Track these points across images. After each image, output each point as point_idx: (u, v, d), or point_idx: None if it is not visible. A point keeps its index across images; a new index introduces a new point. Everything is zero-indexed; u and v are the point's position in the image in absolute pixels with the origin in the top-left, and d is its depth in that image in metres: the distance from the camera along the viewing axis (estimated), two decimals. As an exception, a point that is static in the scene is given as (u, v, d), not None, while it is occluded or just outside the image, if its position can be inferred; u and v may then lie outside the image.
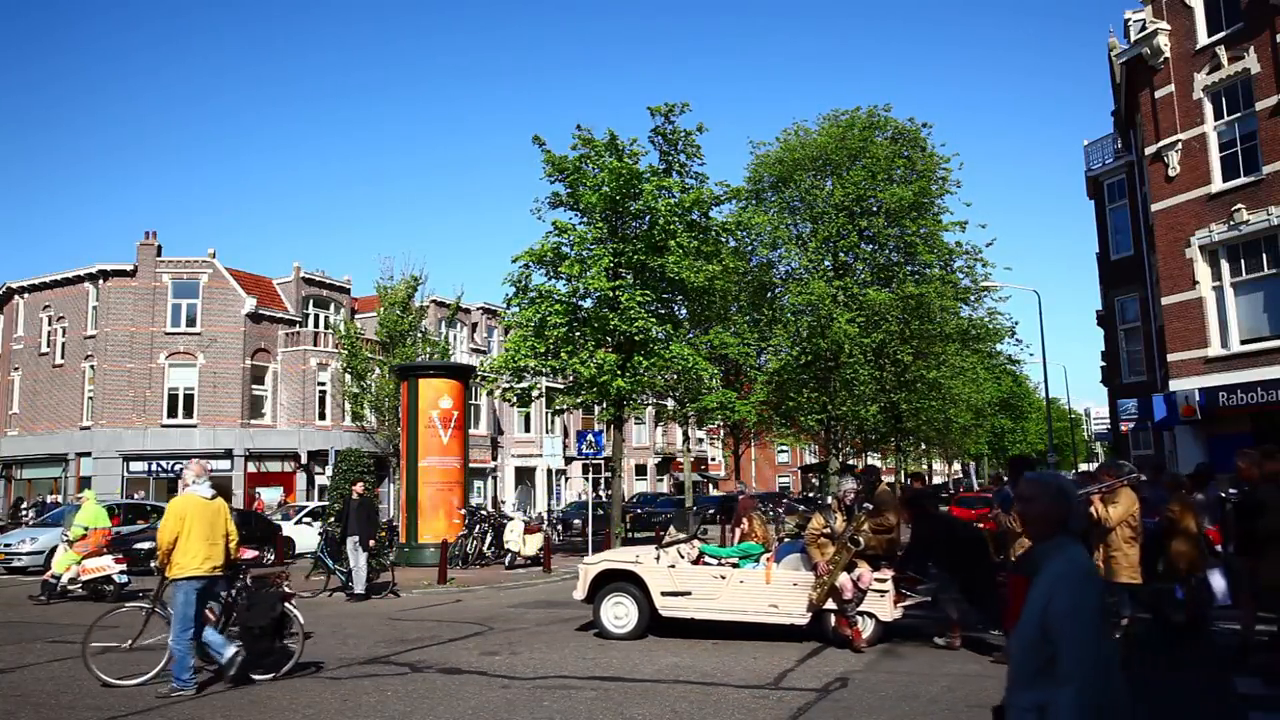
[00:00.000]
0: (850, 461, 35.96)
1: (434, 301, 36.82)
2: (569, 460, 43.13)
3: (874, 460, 54.48)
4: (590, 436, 27.90)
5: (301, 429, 35.23)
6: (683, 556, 10.21)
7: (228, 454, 33.65)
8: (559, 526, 26.97)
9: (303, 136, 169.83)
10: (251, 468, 34.18)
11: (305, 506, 26.14)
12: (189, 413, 33.72)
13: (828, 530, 9.44)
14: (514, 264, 21.39)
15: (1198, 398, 17.84)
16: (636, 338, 20.69)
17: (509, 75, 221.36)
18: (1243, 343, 17.56)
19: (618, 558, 10.54)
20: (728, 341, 23.07)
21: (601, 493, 42.99)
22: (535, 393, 23.52)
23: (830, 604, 9.22)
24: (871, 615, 9.31)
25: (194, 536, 7.63)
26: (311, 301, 38.23)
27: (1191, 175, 18.38)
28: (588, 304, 21.49)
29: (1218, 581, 9.84)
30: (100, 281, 33.71)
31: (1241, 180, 17.46)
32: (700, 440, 55.83)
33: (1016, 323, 33.25)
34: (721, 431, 42.67)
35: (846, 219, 26.52)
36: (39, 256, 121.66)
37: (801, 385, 27.75)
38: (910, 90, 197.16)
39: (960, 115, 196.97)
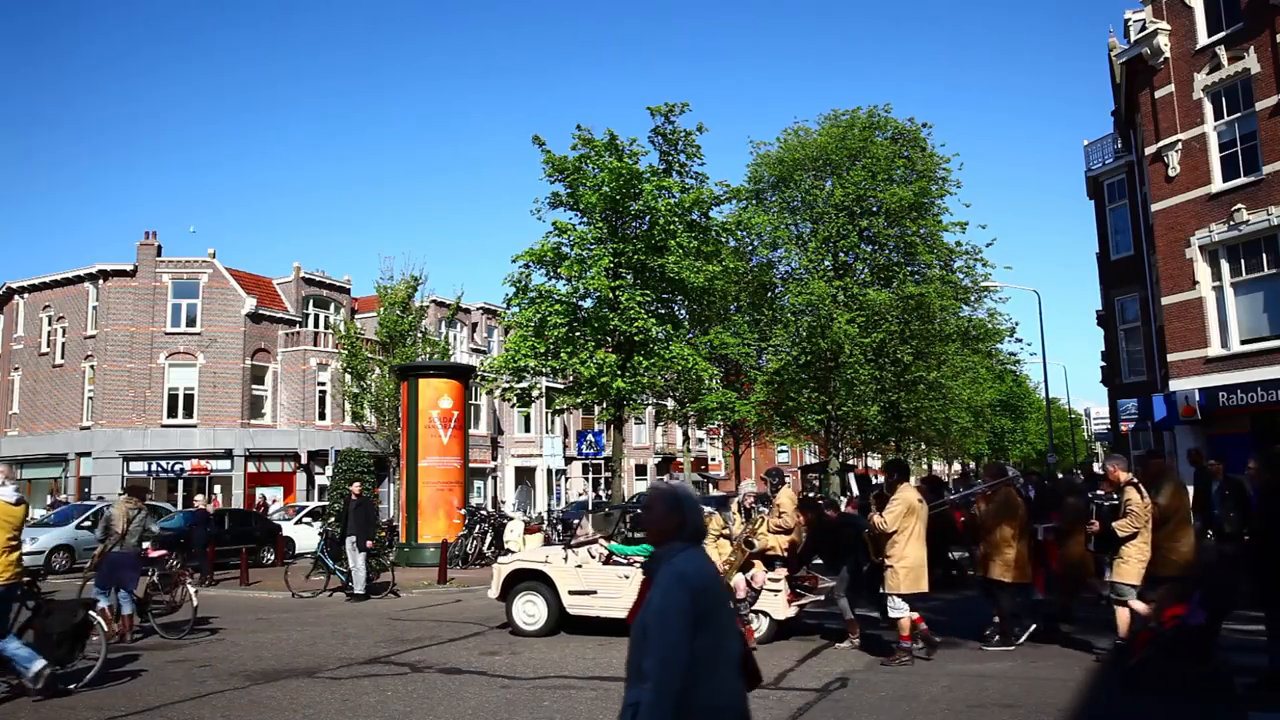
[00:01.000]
0: (850, 461, 35.98)
1: (434, 301, 36.82)
2: (569, 460, 43.11)
3: (874, 460, 54.52)
4: (590, 436, 27.94)
5: (301, 429, 35.22)
6: (593, 557, 10.48)
7: (228, 454, 33.65)
8: (559, 526, 26.98)
9: (303, 136, 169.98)
10: (251, 468, 34.16)
11: (305, 506, 26.14)
12: (189, 413, 33.71)
13: (726, 531, 9.72)
14: (514, 264, 21.42)
15: (1198, 398, 17.84)
16: (636, 338, 20.69)
17: (509, 75, 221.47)
18: (1243, 343, 17.56)
19: (529, 558, 10.87)
20: (728, 341, 23.08)
21: (602, 493, 42.99)
22: (535, 393, 23.54)
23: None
24: (766, 614, 9.57)
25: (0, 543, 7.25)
26: (311, 301, 38.22)
27: (1191, 175, 18.38)
28: (588, 304, 21.50)
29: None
30: (100, 281, 33.70)
31: (1241, 180, 17.45)
32: (700, 440, 55.81)
33: (1016, 323, 33.17)
34: (721, 431, 42.65)
35: (846, 219, 26.51)
36: (39, 256, 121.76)
37: (801, 385, 27.73)
38: (910, 90, 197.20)
39: (960, 115, 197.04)
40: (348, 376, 31.71)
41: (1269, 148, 16.94)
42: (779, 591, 9.56)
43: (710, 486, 56.84)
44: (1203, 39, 18.23)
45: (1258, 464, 7.69)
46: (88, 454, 32.74)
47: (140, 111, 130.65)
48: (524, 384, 22.95)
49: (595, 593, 10.10)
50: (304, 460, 35.13)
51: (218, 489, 33.31)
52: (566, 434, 44.27)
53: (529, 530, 19.57)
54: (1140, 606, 7.88)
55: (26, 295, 36.36)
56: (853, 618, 9.46)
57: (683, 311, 23.85)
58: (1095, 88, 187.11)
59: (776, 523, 9.96)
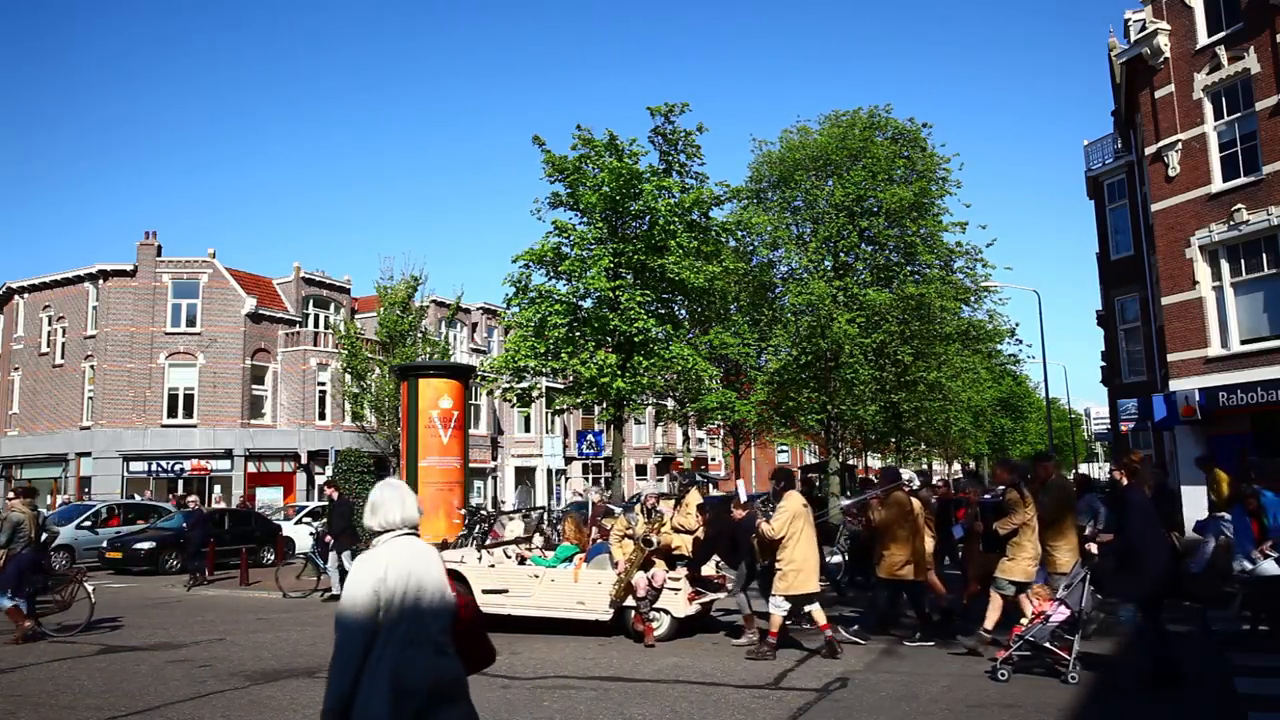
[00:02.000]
0: (850, 462, 35.96)
1: (434, 301, 36.81)
2: (569, 460, 43.14)
3: (874, 460, 54.51)
4: (590, 436, 27.94)
5: (301, 429, 35.23)
6: (508, 557, 10.87)
7: (228, 454, 33.66)
8: (559, 527, 26.94)
9: (303, 136, 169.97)
10: (251, 468, 34.18)
11: (305, 506, 26.14)
12: (189, 413, 33.72)
13: (630, 531, 10.01)
14: (514, 264, 21.40)
15: (1198, 398, 17.83)
16: (636, 338, 20.69)
17: (509, 75, 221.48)
18: (1243, 343, 17.56)
19: (445, 557, 10.96)
20: (728, 341, 23.06)
21: (601, 493, 42.95)
22: (535, 393, 23.52)
23: (630, 600, 9.79)
24: (666, 611, 9.85)
25: None
26: (311, 301, 38.23)
27: (1191, 175, 18.38)
28: (588, 304, 21.49)
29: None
30: (100, 281, 33.71)
31: (1241, 180, 17.45)
32: (700, 440, 55.82)
33: (1017, 324, 33.06)
34: (721, 431, 42.64)
35: (847, 219, 26.47)
36: (39, 256, 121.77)
37: (801, 385, 27.70)
38: (910, 90, 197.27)
39: (960, 115, 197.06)
40: (348, 376, 31.69)
41: (1269, 148, 16.94)
42: (679, 590, 9.83)
43: (710, 486, 56.89)
44: (1203, 39, 18.23)
45: (1131, 468, 8.02)
46: (88, 454, 32.75)
47: (140, 111, 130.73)
48: (524, 384, 22.95)
49: (507, 591, 10.42)
50: (304, 460, 35.14)
51: (218, 488, 33.31)
52: (566, 434, 44.27)
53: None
54: (1025, 604, 8.26)
55: (26, 295, 36.36)
56: (750, 613, 9.76)
57: (683, 311, 23.83)
58: (1095, 88, 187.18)
59: (679, 522, 10.28)
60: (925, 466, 54.53)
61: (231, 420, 34.09)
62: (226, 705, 7.22)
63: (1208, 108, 18.24)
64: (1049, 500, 8.59)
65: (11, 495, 11.56)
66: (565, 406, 23.41)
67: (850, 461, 35.94)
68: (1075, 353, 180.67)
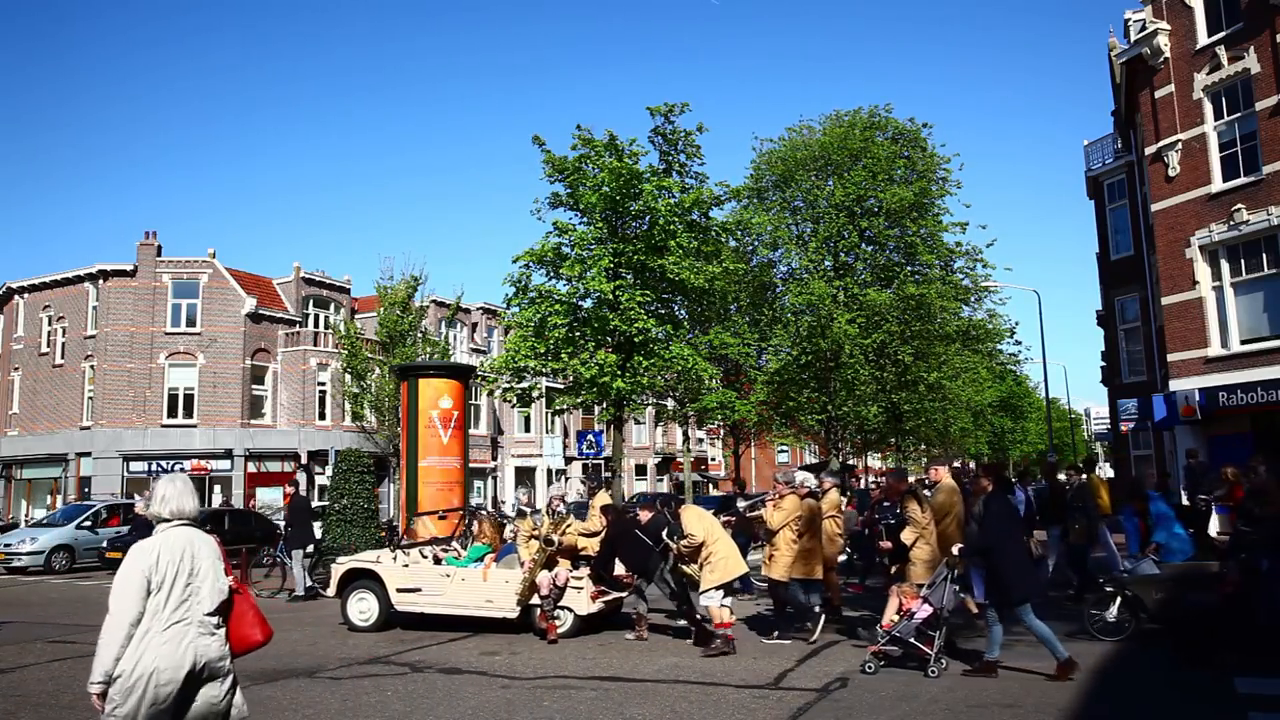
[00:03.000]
0: (851, 461, 35.97)
1: (434, 301, 36.78)
2: (569, 460, 43.16)
3: (874, 460, 54.45)
4: (590, 436, 27.99)
5: (301, 429, 35.23)
6: (425, 556, 11.22)
7: (228, 454, 33.66)
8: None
9: (303, 136, 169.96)
10: (251, 468, 34.18)
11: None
12: (189, 413, 33.72)
13: (536, 532, 10.42)
14: (514, 264, 21.40)
15: (1198, 398, 17.84)
16: (636, 338, 20.69)
17: (509, 75, 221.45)
18: (1243, 343, 17.57)
19: (363, 558, 11.63)
20: (728, 341, 23.07)
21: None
22: (535, 393, 23.52)
23: (536, 598, 10.19)
24: (569, 609, 10.21)
25: None
26: (311, 301, 38.23)
27: (1191, 175, 18.38)
28: (588, 304, 21.49)
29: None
30: (100, 281, 33.71)
31: (1241, 180, 17.45)
32: (700, 440, 55.81)
33: (1017, 324, 33.09)
34: (721, 431, 42.65)
35: (847, 219, 26.49)
36: (39, 256, 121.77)
37: (802, 385, 27.73)
38: (910, 90, 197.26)
39: (960, 115, 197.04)
40: (348, 376, 31.64)
41: (1269, 148, 16.94)
42: (582, 589, 10.20)
43: (710, 486, 56.85)
44: (1203, 39, 18.23)
45: (998, 473, 8.52)
46: (88, 454, 32.75)
47: (140, 111, 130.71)
48: (524, 384, 22.95)
49: (420, 590, 10.81)
50: (304, 460, 35.13)
51: (218, 488, 33.29)
52: (566, 434, 44.28)
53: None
54: (892, 602, 8.53)
55: (26, 295, 36.36)
56: (643, 613, 10.14)
57: (683, 312, 23.83)
58: (1095, 88, 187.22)
59: (585, 526, 10.71)
60: (925, 466, 54.51)
61: (231, 420, 34.09)
62: (226, 705, 7.21)
63: (1208, 108, 18.24)
64: (934, 504, 9.13)
65: None
66: (565, 406, 23.41)
67: (850, 461, 35.94)
68: (1075, 353, 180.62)
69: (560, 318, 20.70)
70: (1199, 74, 18.22)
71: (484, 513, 13.02)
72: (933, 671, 7.72)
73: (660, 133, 21.62)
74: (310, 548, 15.17)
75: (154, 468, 32.81)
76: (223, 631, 3.83)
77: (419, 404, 20.62)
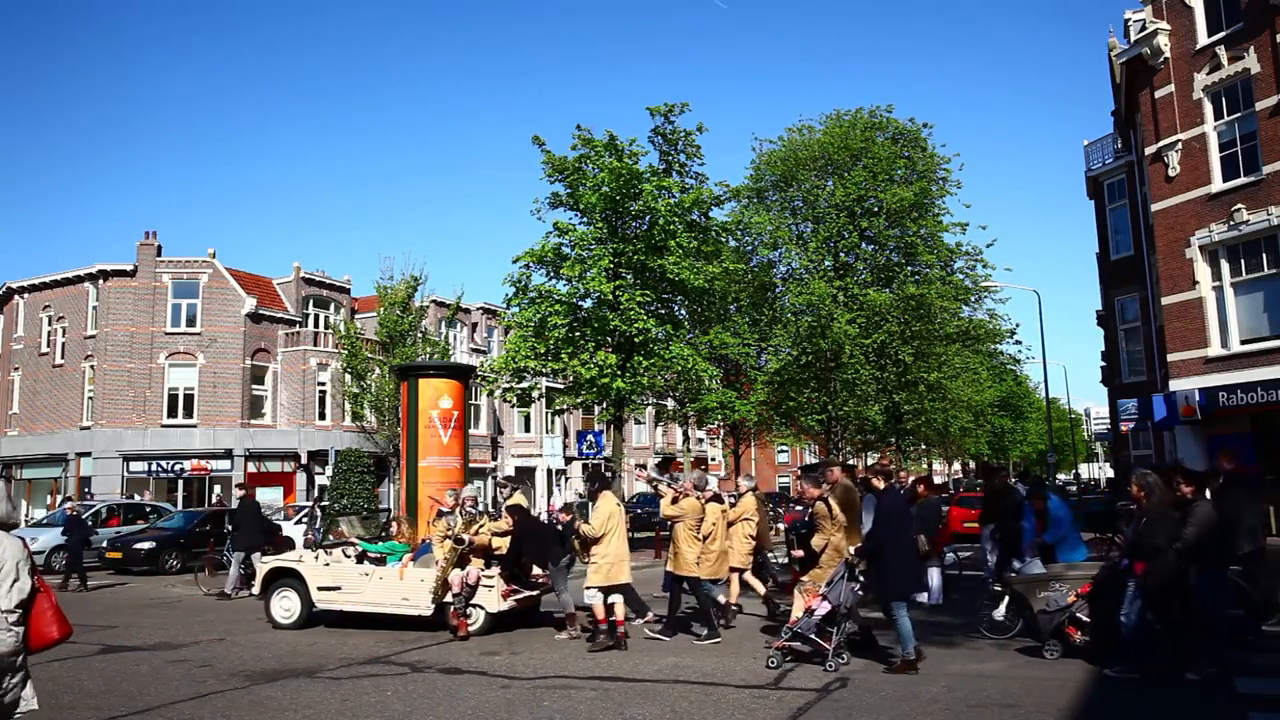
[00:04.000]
0: (851, 461, 35.95)
1: (434, 301, 36.82)
2: (569, 460, 43.14)
3: (874, 459, 54.36)
4: (590, 436, 27.92)
5: (301, 429, 35.23)
6: (347, 555, 11.63)
7: (228, 454, 33.65)
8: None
9: (303, 136, 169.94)
10: (251, 468, 34.16)
11: (305, 507, 26.12)
12: (189, 413, 33.72)
13: (450, 533, 10.71)
14: (514, 264, 21.40)
15: (1198, 398, 17.84)
16: (636, 338, 20.69)
17: (509, 75, 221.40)
18: (1243, 343, 17.57)
19: (286, 557, 12.10)
20: (728, 341, 23.07)
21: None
22: (535, 393, 23.52)
23: (449, 596, 10.53)
24: (481, 607, 10.58)
25: None
26: (311, 301, 38.23)
27: (1191, 175, 18.38)
28: (588, 304, 21.50)
29: (934, 580, 11.54)
30: (100, 281, 33.71)
31: (1241, 180, 17.46)
32: (700, 440, 55.79)
33: (1018, 324, 33.10)
34: (721, 431, 42.65)
35: (847, 219, 26.50)
36: (39, 256, 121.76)
37: (802, 385, 27.74)
38: (910, 90, 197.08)
39: (960, 115, 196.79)
40: (348, 376, 31.67)
41: (1269, 148, 16.94)
42: (493, 587, 10.57)
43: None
44: (1203, 39, 18.23)
45: (886, 474, 9.02)
46: (88, 454, 32.74)
47: (140, 111, 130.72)
48: (524, 384, 22.96)
49: (340, 588, 11.14)
50: (304, 460, 35.14)
51: (218, 488, 33.28)
52: (566, 434, 44.27)
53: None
54: (812, 603, 8.64)
55: (26, 295, 36.36)
56: (573, 612, 10.33)
57: (683, 312, 23.84)
58: (1095, 88, 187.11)
59: (497, 525, 11.00)
60: (925, 466, 54.55)
61: (231, 420, 34.09)
62: (226, 705, 7.22)
63: (1208, 108, 18.25)
64: (836, 504, 9.41)
65: None
66: (565, 406, 23.42)
67: (850, 461, 35.93)
68: (1075, 353, 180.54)
69: (560, 318, 20.71)
70: (1199, 74, 18.22)
71: (398, 516, 13.46)
72: (830, 666, 8.04)
73: (660, 133, 21.63)
74: (257, 552, 15.34)
75: (154, 468, 32.83)
76: (21, 629, 4.20)
77: (419, 404, 20.61)
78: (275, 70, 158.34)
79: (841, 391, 26.84)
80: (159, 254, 34.14)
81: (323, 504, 25.11)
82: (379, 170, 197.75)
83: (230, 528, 16.13)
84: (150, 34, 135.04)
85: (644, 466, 16.75)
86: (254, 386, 35.14)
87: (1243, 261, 17.69)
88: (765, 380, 27.00)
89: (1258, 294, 17.49)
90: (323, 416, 35.98)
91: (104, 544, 20.49)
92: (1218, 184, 17.90)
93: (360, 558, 11.52)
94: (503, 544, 10.91)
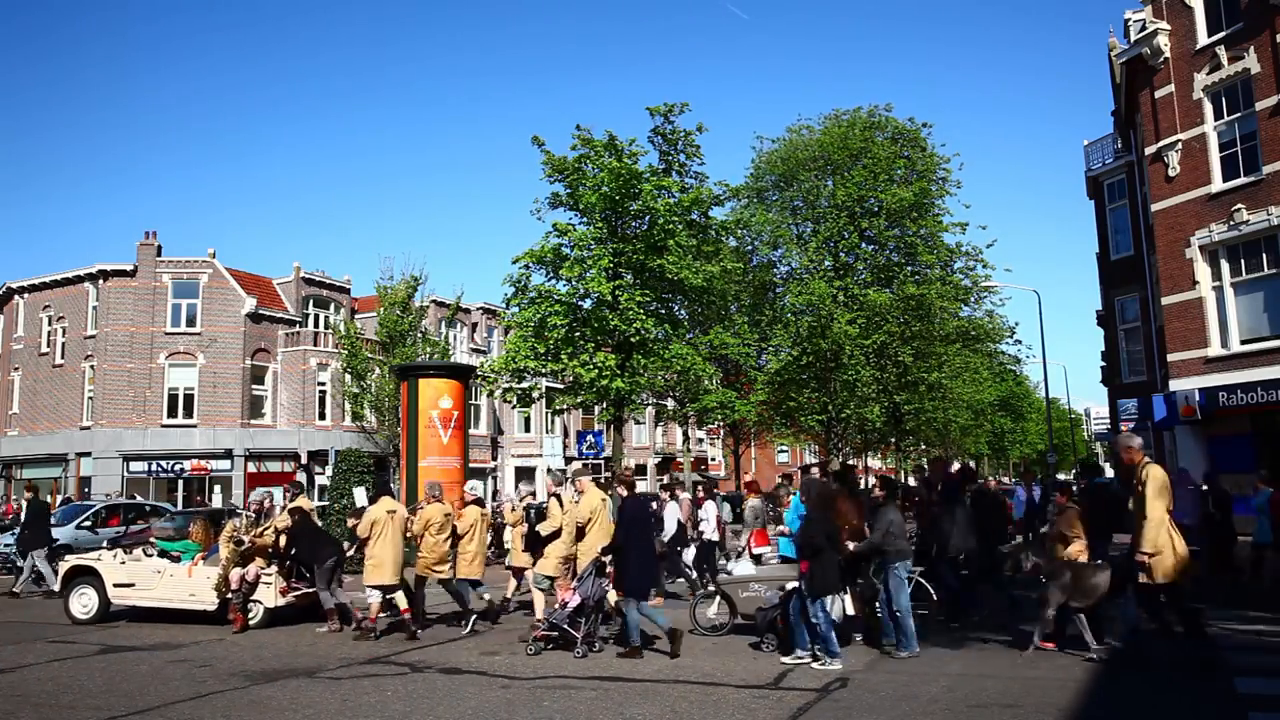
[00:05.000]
0: (851, 461, 35.96)
1: (434, 301, 36.79)
2: (569, 460, 43.11)
3: (874, 460, 54.37)
4: (590, 437, 27.95)
5: (301, 429, 35.22)
6: (147, 555, 12.39)
7: (228, 454, 33.64)
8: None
9: (303, 136, 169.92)
10: (251, 468, 34.16)
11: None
12: (189, 413, 33.72)
13: (236, 536, 11.47)
14: (514, 265, 21.40)
15: (1198, 398, 17.83)
16: (635, 338, 20.69)
17: (509, 75, 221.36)
18: (1243, 343, 17.55)
19: (87, 556, 12.81)
20: (728, 341, 23.06)
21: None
22: (535, 393, 23.52)
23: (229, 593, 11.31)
24: (259, 603, 11.38)
25: None
26: (311, 301, 38.22)
27: (1191, 175, 18.36)
28: (587, 304, 21.50)
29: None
30: (100, 281, 33.71)
31: (1241, 180, 17.44)
32: (700, 440, 55.78)
33: (1016, 324, 33.15)
34: (721, 431, 42.64)
35: (847, 219, 26.49)
36: (39, 256, 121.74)
37: (802, 385, 27.73)
38: (910, 90, 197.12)
39: (960, 115, 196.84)
40: (348, 376, 31.62)
41: (1269, 148, 16.92)
42: (271, 584, 11.40)
43: (711, 487, 56.83)
44: (1203, 39, 18.22)
45: (629, 483, 9.79)
46: (88, 454, 32.75)
47: (140, 111, 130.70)
48: (524, 385, 22.95)
49: (134, 585, 11.89)
50: (304, 460, 35.12)
51: (218, 488, 33.25)
52: (566, 434, 44.26)
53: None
54: (565, 596, 9.56)
55: (26, 295, 36.36)
56: (332, 607, 11.06)
57: (682, 311, 23.84)
58: (1095, 88, 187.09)
59: (279, 524, 11.64)
60: (924, 464, 54.49)
61: (231, 420, 34.09)
62: (226, 705, 7.22)
63: (1208, 108, 18.23)
64: (584, 506, 10.34)
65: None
66: (565, 406, 23.43)
67: (850, 461, 35.94)
68: (1075, 353, 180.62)
69: (560, 318, 20.70)
70: (1199, 74, 18.21)
71: (196, 517, 14.45)
72: (579, 652, 8.96)
73: (660, 133, 21.63)
74: (46, 550, 15.73)
75: (154, 468, 32.82)
76: None
77: (419, 404, 20.63)
78: (275, 70, 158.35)
79: (841, 392, 26.83)
80: (159, 254, 34.14)
81: (323, 504, 25.05)
82: (379, 170, 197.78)
83: (23, 529, 16.49)
84: (150, 34, 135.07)
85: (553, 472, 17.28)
86: (254, 386, 35.14)
87: (1243, 261, 17.68)
88: (765, 380, 26.99)
89: (1258, 294, 17.48)
90: (323, 416, 35.98)
91: (104, 544, 20.43)
92: (1218, 184, 17.89)
93: (161, 555, 12.34)
94: (283, 543, 11.70)
